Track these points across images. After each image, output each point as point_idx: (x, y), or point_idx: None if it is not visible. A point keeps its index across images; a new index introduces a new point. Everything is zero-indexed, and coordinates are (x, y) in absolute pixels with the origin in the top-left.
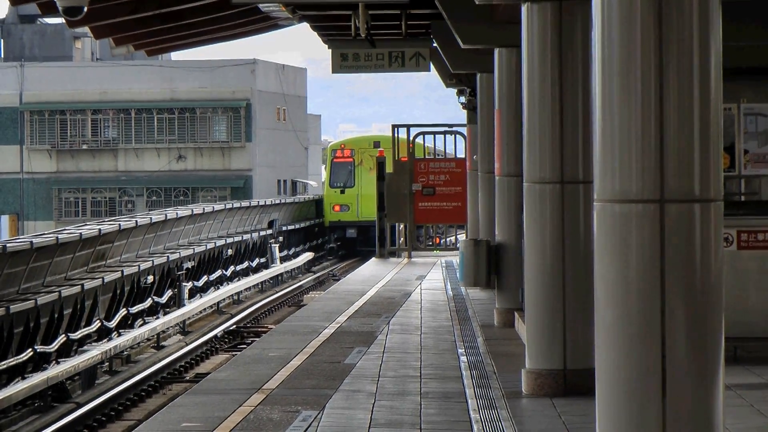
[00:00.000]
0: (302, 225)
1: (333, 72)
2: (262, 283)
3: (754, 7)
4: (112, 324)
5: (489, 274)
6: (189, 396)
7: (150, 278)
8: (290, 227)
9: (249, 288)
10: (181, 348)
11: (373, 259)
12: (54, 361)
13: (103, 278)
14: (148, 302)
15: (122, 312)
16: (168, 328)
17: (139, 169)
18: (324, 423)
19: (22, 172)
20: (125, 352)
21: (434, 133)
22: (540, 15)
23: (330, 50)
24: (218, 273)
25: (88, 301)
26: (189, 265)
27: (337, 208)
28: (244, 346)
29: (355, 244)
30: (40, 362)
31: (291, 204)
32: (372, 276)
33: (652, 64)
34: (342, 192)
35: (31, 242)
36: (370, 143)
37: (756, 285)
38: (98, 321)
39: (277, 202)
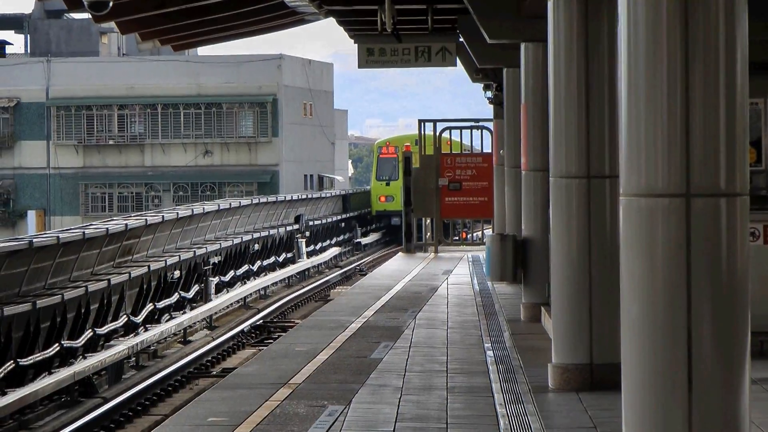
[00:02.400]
0: (329, 220)
1: (359, 67)
2: (288, 277)
3: None
4: (139, 319)
5: (515, 269)
6: (215, 391)
7: (177, 273)
8: (317, 222)
9: (276, 283)
10: (208, 343)
11: (400, 253)
12: (81, 356)
13: (129, 273)
14: (175, 297)
15: (149, 307)
16: (195, 323)
17: (165, 164)
18: (350, 418)
19: (49, 168)
20: (152, 347)
21: (461, 128)
22: (566, 10)
23: (356, 45)
24: (245, 268)
25: (114, 296)
26: (216, 260)
27: (382, 198)
28: (271, 341)
29: (398, 230)
30: (66, 357)
31: (318, 199)
32: (399, 271)
33: (677, 59)
34: (387, 184)
35: (58, 237)
36: (413, 141)
37: None
38: (125, 316)
39: (304, 197)
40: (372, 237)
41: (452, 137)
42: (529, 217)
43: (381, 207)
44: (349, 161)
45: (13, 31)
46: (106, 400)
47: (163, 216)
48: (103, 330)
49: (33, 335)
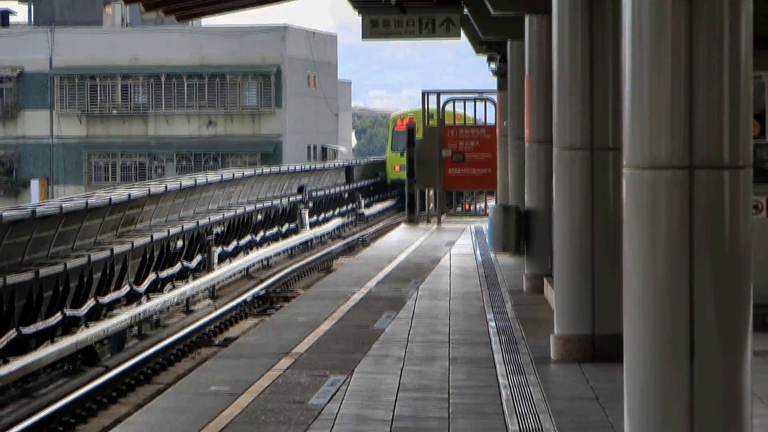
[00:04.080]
0: (332, 191)
1: (363, 38)
2: (291, 248)
3: None
4: (142, 288)
5: (518, 240)
6: (218, 360)
7: (179, 243)
8: (320, 193)
9: (278, 253)
10: (211, 312)
11: (403, 225)
12: (83, 325)
13: (132, 243)
14: (178, 267)
15: (152, 277)
16: (197, 293)
17: (169, 134)
18: (352, 387)
19: (52, 137)
20: (154, 317)
21: (464, 100)
22: None
23: (360, 17)
24: (248, 238)
25: (117, 265)
26: (218, 230)
27: (397, 168)
28: (274, 310)
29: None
30: (69, 326)
31: (321, 170)
32: (402, 242)
33: (682, 31)
34: (401, 155)
35: (61, 207)
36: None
37: None
38: (128, 285)
39: (308, 168)
40: (376, 208)
41: (456, 109)
42: (532, 188)
43: (395, 176)
44: (353, 132)
45: (16, 1)
46: (108, 369)
47: (166, 186)
48: (105, 299)
49: (36, 304)
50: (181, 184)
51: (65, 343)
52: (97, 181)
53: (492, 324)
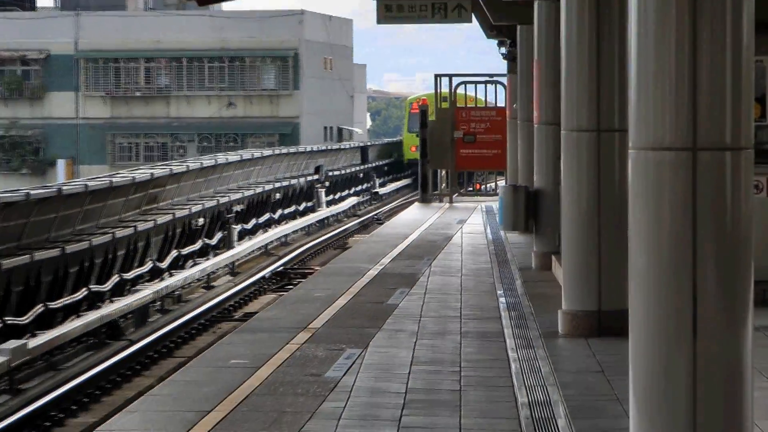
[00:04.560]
0: (348, 171)
1: (378, 22)
2: (308, 226)
3: None
4: (164, 265)
5: (527, 219)
6: (237, 334)
7: (201, 221)
8: (336, 172)
9: (296, 231)
10: (230, 288)
11: (416, 203)
12: (108, 300)
13: (155, 220)
14: (199, 244)
15: (174, 253)
16: (218, 269)
17: (190, 115)
18: (367, 361)
19: (78, 118)
20: (176, 292)
21: (476, 83)
22: None
23: (375, 1)
24: (266, 216)
25: (140, 242)
26: (238, 208)
27: (413, 149)
28: (291, 286)
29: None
30: (94, 301)
31: (337, 150)
32: (415, 220)
33: (686, 16)
34: (417, 136)
35: (86, 185)
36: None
37: None
38: (150, 262)
39: (324, 148)
40: (390, 187)
41: (467, 92)
42: (541, 169)
43: (412, 156)
44: (368, 114)
45: None
46: (132, 343)
47: (187, 166)
48: (129, 275)
49: (62, 280)
50: (202, 163)
51: (90, 317)
52: (121, 161)
53: (502, 300)
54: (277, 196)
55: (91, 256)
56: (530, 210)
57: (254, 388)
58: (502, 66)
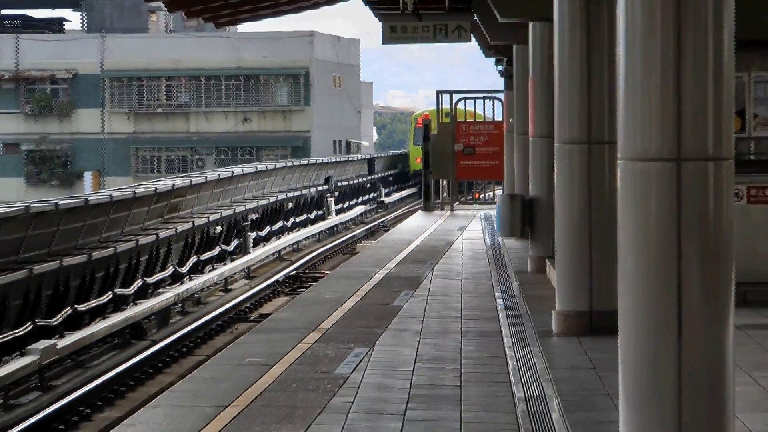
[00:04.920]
0: (356, 181)
1: (383, 43)
2: (319, 233)
3: None
4: (184, 269)
5: (523, 226)
6: (253, 334)
7: (218, 228)
8: (345, 183)
9: (307, 237)
10: (246, 291)
11: (419, 211)
12: (132, 303)
13: (176, 228)
14: (217, 250)
15: (193, 259)
16: (234, 274)
17: (208, 130)
18: (374, 358)
19: (103, 133)
20: (196, 295)
21: (475, 99)
22: None
23: (381, 23)
24: (280, 224)
25: (162, 248)
26: (253, 216)
27: (418, 160)
28: (303, 289)
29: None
30: (119, 304)
31: (346, 162)
32: (418, 227)
33: (671, 36)
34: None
35: (111, 196)
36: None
37: (764, 235)
38: (171, 267)
39: (334, 160)
40: (395, 196)
41: (467, 107)
42: (536, 178)
43: (417, 167)
44: (374, 128)
45: (71, 9)
46: (154, 342)
47: (206, 177)
48: (152, 279)
49: (89, 284)
50: (219, 175)
51: (115, 319)
52: (144, 173)
53: (500, 301)
54: (290, 205)
55: (116, 262)
56: (526, 217)
57: (268, 384)
58: (499, 83)
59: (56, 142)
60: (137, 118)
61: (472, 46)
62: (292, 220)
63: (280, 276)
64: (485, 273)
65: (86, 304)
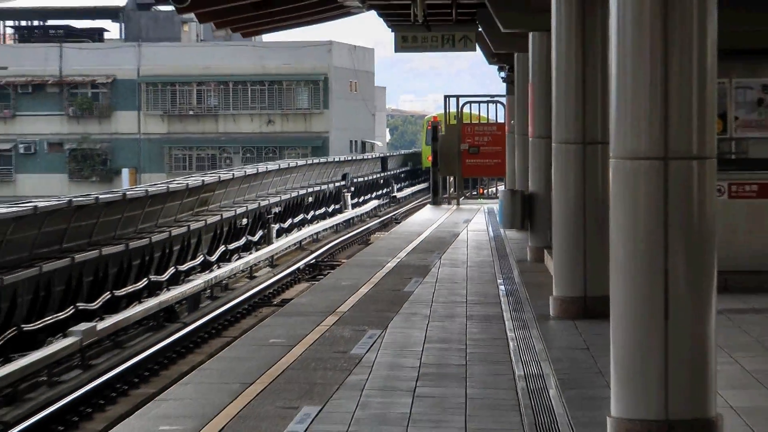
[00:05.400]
0: (370, 178)
1: (395, 51)
2: (336, 225)
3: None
4: (213, 258)
5: (523, 218)
6: (276, 317)
7: (244, 221)
8: (360, 179)
9: (326, 229)
10: (270, 278)
11: (428, 206)
12: (165, 289)
13: (205, 220)
14: (243, 240)
15: (221, 248)
16: (259, 262)
17: (235, 131)
18: (387, 340)
19: (140, 134)
20: (224, 281)
21: (479, 102)
22: (567, 5)
23: (393, 33)
24: (300, 216)
25: (193, 239)
26: (277, 210)
27: (429, 158)
28: (322, 276)
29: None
30: (153, 289)
31: (361, 160)
32: (427, 220)
33: (658, 47)
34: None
35: (147, 191)
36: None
37: (743, 228)
38: (201, 256)
39: (350, 159)
40: (406, 192)
41: (472, 110)
42: (535, 175)
43: (428, 164)
44: (387, 129)
45: (110, 20)
46: (186, 325)
47: (233, 174)
48: (183, 267)
49: (126, 271)
50: (245, 172)
51: (150, 303)
52: (177, 170)
53: (502, 287)
54: (310, 199)
55: (151, 251)
56: (526, 211)
57: (290, 363)
58: (501, 88)
59: (96, 141)
60: (170, 119)
61: (477, 55)
62: (312, 213)
63: (300, 264)
64: (488, 262)
65: (123, 289)
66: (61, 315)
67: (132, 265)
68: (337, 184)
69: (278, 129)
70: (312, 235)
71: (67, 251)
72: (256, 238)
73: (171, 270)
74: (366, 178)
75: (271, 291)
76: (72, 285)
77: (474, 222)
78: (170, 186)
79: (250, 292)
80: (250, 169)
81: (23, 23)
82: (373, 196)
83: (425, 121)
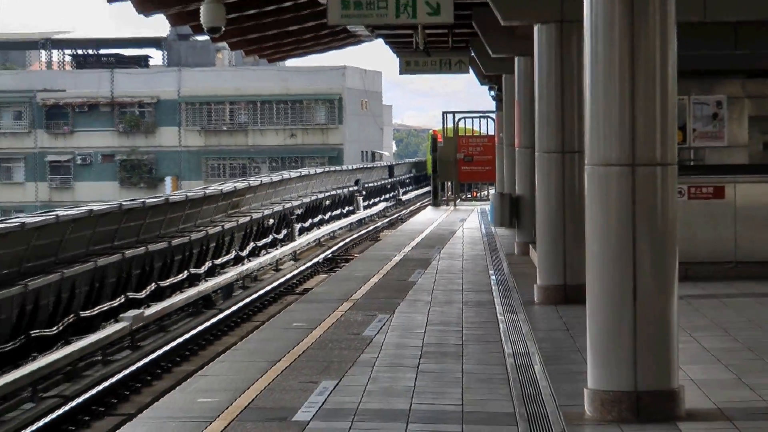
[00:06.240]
0: (379, 183)
1: (400, 74)
2: (350, 224)
3: (703, 28)
4: (244, 253)
5: (511, 218)
6: (298, 304)
7: (271, 221)
8: (370, 184)
9: (341, 228)
10: (293, 270)
11: (429, 207)
12: (203, 280)
13: (237, 221)
14: (270, 238)
15: (251, 245)
16: (283, 256)
17: (263, 143)
18: (394, 323)
19: (180, 146)
20: (253, 273)
21: (473, 118)
22: (547, 33)
23: (398, 58)
24: (319, 217)
25: (227, 237)
26: (298, 211)
27: None
28: (338, 268)
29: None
30: (193, 280)
31: (371, 168)
32: (428, 219)
33: (626, 69)
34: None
35: (186, 195)
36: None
37: (700, 224)
38: (234, 251)
39: (361, 167)
40: (410, 195)
41: (466, 124)
42: (521, 180)
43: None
44: (393, 141)
45: (154, 49)
46: (221, 311)
47: (261, 180)
48: (219, 261)
49: (169, 265)
50: (272, 178)
51: (190, 292)
52: (213, 177)
53: (493, 277)
54: (327, 202)
55: (190, 248)
56: (513, 211)
57: (310, 344)
58: (491, 105)
59: (143, 153)
60: (207, 134)
61: (470, 76)
62: (329, 214)
63: (319, 258)
64: (481, 255)
65: (167, 280)
66: (114, 303)
67: (174, 259)
68: (350, 188)
69: (299, 141)
70: (329, 233)
71: (118, 248)
72: (281, 235)
73: (208, 264)
74: (375, 184)
75: (294, 281)
76: (123, 277)
77: (469, 221)
78: (207, 191)
79: (276, 283)
80: (275, 176)
81: (80, 52)
82: (382, 199)
83: (429, 134)
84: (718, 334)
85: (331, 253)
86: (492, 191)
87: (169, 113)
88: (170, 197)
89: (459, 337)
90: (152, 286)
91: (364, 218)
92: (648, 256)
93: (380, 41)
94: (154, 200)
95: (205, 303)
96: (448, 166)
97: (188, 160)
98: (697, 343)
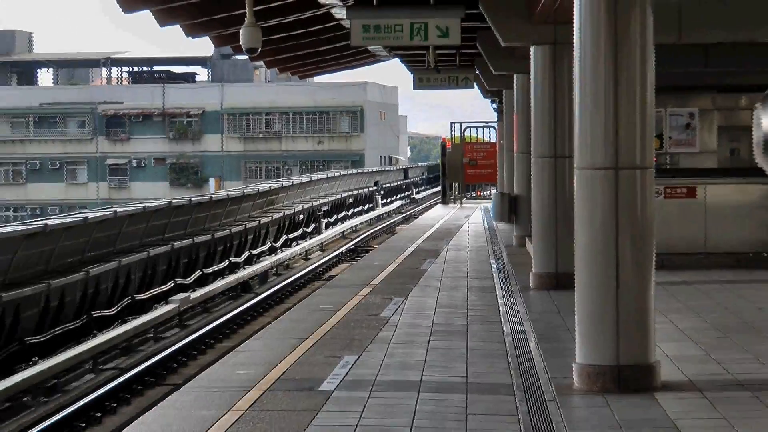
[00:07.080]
0: (395, 184)
1: (414, 89)
2: (370, 219)
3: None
4: (278, 245)
5: (510, 214)
6: (324, 289)
7: (301, 216)
8: (388, 185)
9: (362, 222)
10: (320, 259)
11: (439, 205)
12: (242, 268)
13: (272, 216)
14: (300, 231)
15: (284, 237)
16: (312, 247)
17: (294, 149)
18: (407, 305)
19: (222, 151)
20: (285, 262)
21: (477, 127)
22: (542, 53)
23: (412, 75)
24: (343, 213)
25: (263, 230)
26: (325, 208)
27: None
28: (359, 258)
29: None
30: (233, 268)
31: (389, 171)
32: (438, 216)
33: (611, 83)
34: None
35: (228, 194)
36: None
37: (675, 220)
38: (269, 243)
39: (380, 170)
40: (422, 194)
41: (472, 133)
42: (519, 181)
43: None
44: (408, 148)
45: (200, 66)
46: (257, 295)
47: (293, 181)
48: (255, 251)
49: (212, 254)
50: (302, 180)
51: (230, 279)
52: (251, 179)
53: (494, 266)
54: (350, 200)
55: (231, 240)
56: (512, 208)
57: (334, 324)
58: (493, 116)
59: (190, 157)
60: (246, 141)
61: (475, 91)
62: (351, 210)
63: (343, 249)
64: (484, 247)
65: (210, 268)
66: (164, 287)
67: (217, 250)
68: (370, 188)
69: (326, 147)
70: (352, 227)
71: (168, 240)
72: (309, 229)
73: (246, 254)
74: (392, 184)
75: (321, 269)
76: (172, 265)
77: (473, 217)
78: (245, 191)
79: (305, 270)
80: (305, 178)
81: (135, 69)
82: (398, 197)
83: (441, 144)
84: (690, 315)
85: (353, 244)
86: (493, 191)
87: (213, 123)
88: (214, 196)
89: (464, 317)
90: (198, 273)
91: (382, 214)
92: (629, 247)
93: (397, 60)
94: (200, 198)
95: (244, 288)
96: (456, 169)
97: (229, 163)
98: (671, 323)
